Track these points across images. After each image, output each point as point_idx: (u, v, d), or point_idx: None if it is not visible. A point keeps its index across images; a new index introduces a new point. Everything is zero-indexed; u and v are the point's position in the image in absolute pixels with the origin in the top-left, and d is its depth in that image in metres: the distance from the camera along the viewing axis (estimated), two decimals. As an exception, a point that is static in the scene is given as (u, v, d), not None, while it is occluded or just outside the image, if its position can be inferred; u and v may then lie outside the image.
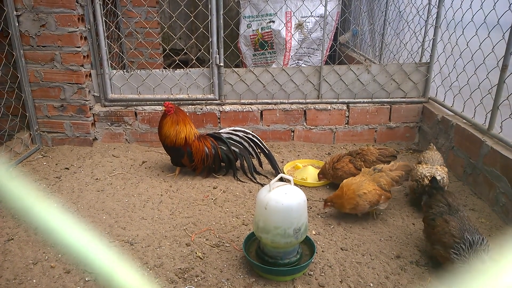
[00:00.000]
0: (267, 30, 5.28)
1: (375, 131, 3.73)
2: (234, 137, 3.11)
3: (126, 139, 3.72)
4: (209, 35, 3.42)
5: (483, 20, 2.71)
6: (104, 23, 3.40)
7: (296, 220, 1.92)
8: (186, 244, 2.27)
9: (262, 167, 3.19)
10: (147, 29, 4.16)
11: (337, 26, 5.25)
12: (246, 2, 5.36)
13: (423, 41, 3.57)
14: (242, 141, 3.10)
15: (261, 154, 3.13)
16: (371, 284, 1.98)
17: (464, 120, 3.09)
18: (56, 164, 3.29)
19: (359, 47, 5.22)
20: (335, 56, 5.43)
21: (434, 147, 2.81)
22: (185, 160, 3.02)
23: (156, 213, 2.60)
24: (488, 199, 2.67)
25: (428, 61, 3.56)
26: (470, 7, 2.88)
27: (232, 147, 3.07)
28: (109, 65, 3.55)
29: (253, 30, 5.35)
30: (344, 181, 2.52)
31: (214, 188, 2.93)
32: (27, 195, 0.48)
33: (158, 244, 2.27)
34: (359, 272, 2.06)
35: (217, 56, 3.48)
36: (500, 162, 2.53)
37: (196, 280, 1.99)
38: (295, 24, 5.19)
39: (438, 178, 2.46)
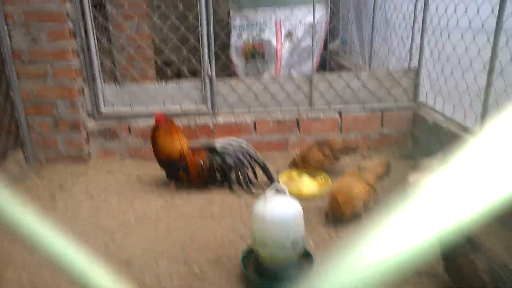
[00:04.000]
0: (257, 40, 5.31)
1: (368, 138, 3.76)
2: (228, 147, 3.11)
3: (120, 155, 3.71)
4: (200, 46, 3.44)
5: (468, 25, 2.77)
6: (95, 37, 3.40)
7: (293, 232, 1.92)
8: (183, 261, 2.26)
9: (257, 179, 3.18)
10: (138, 42, 4.17)
11: (326, 34, 5.30)
12: (236, 13, 5.39)
13: (410, 47, 3.61)
14: (237, 152, 3.10)
15: (256, 165, 3.13)
16: (370, 294, 1.97)
17: (454, 124, 3.12)
18: (50, 182, 3.27)
19: (349, 54, 5.27)
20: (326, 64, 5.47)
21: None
22: (181, 173, 3.02)
23: (152, 230, 2.58)
24: (482, 203, 2.69)
25: (417, 66, 3.60)
26: (455, 12, 2.93)
27: (227, 158, 3.08)
28: (102, 79, 3.55)
29: (243, 41, 5.37)
30: (333, 187, 2.62)
31: (210, 202, 2.93)
32: (21, 215, 0.48)
33: (155, 263, 2.25)
34: (357, 282, 2.05)
35: (209, 67, 3.49)
36: (492, 166, 2.56)
37: (194, 296, 1.98)
38: (285, 33, 5.23)
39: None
